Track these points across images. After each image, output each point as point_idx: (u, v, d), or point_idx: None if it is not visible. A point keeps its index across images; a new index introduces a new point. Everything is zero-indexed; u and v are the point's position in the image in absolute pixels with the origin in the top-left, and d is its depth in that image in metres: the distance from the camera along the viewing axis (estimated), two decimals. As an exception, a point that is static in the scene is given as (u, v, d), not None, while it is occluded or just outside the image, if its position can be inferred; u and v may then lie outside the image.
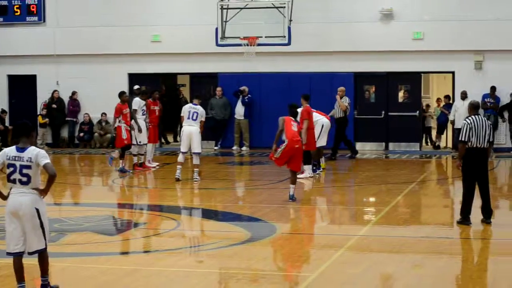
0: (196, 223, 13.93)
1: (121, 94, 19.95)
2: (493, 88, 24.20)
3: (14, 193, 8.36)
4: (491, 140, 12.49)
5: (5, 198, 8.45)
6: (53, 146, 26.99)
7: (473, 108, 12.62)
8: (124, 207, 15.62)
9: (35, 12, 27.22)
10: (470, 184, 12.45)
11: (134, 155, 20.17)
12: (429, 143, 26.75)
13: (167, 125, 27.39)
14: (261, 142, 24.94)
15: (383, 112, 25.32)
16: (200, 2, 25.63)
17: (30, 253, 8.45)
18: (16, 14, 27.36)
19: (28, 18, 27.32)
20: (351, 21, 25.03)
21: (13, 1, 27.38)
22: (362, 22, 25.02)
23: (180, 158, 18.10)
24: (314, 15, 25.05)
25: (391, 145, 25.45)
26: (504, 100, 24.44)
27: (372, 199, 16.08)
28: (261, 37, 22.33)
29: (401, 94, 25.92)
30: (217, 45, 22.76)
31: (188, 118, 17.94)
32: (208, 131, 24.95)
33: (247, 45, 22.33)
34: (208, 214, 14.44)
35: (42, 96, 27.48)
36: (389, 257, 10.61)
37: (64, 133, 27.56)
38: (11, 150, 8.40)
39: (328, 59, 25.34)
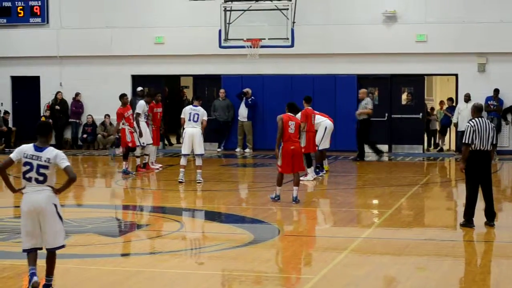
0: (199, 225, 13.92)
1: (122, 97, 19.90)
2: (496, 91, 24.20)
3: (29, 191, 8.33)
4: (494, 142, 12.48)
5: (14, 191, 8.44)
6: (56, 147, 26.84)
7: (477, 111, 12.61)
8: (127, 208, 15.62)
9: (38, 13, 27.27)
10: (473, 186, 12.44)
11: (137, 156, 20.17)
12: (432, 146, 26.71)
13: (170, 126, 27.41)
14: (264, 144, 24.95)
15: (386, 115, 25.32)
16: (204, 4, 25.66)
17: (51, 250, 8.40)
18: (19, 15, 27.41)
19: (31, 20, 27.37)
20: (354, 23, 25.04)
21: (16, 2, 27.43)
22: (365, 24, 25.02)
23: (183, 161, 18.07)
24: (317, 17, 25.07)
25: (394, 148, 25.46)
26: (508, 102, 24.44)
27: (375, 202, 16.07)
28: (264, 39, 22.37)
29: (404, 96, 25.92)
30: (221, 47, 22.79)
31: (189, 120, 17.91)
32: (211, 133, 25.01)
33: (251, 47, 22.36)
34: (211, 216, 14.44)
35: (46, 97, 27.52)
36: (392, 260, 10.60)
37: (67, 134, 27.60)
38: (29, 148, 8.39)
39: (331, 61, 25.35)
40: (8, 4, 27.45)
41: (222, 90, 26.11)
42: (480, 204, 12.63)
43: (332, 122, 19.72)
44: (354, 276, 9.56)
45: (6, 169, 8.35)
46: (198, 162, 18.03)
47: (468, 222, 12.45)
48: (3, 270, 9.58)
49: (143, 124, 19.83)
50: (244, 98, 25.73)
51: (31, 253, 8.43)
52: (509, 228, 12.91)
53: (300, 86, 24.88)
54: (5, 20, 27.55)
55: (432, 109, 27.43)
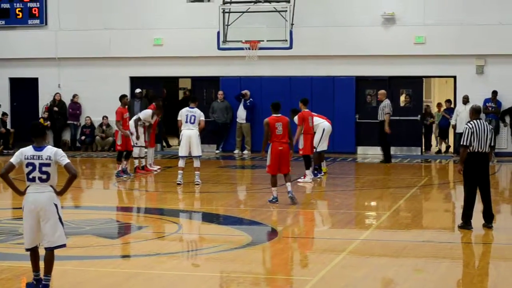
0: (197, 227, 13.93)
1: (122, 98, 19.91)
2: (494, 93, 24.20)
3: (31, 191, 8.48)
4: (492, 144, 12.51)
5: (21, 193, 8.56)
6: (54, 148, 26.93)
7: (475, 113, 12.62)
8: (125, 210, 15.62)
9: (37, 15, 27.24)
10: (471, 188, 12.45)
11: (135, 158, 20.17)
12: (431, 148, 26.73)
13: (168, 128, 27.40)
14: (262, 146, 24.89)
15: (385, 116, 25.27)
16: (202, 5, 25.66)
17: (50, 249, 8.49)
18: (18, 17, 27.38)
19: (30, 21, 27.34)
20: (353, 25, 25.03)
21: (15, 4, 27.41)
22: (363, 26, 25.02)
23: (181, 163, 18.07)
24: (315, 19, 25.06)
25: (393, 149, 25.42)
26: (506, 104, 24.45)
27: (373, 203, 16.08)
28: (262, 41, 22.34)
29: (402, 98, 25.91)
30: (219, 48, 22.77)
31: (186, 121, 17.90)
32: (210, 134, 25.00)
33: (249, 48, 22.34)
34: (210, 217, 14.45)
35: (44, 99, 27.48)
36: (390, 261, 10.60)
37: (66, 136, 27.57)
38: (28, 150, 8.54)
39: (329, 63, 25.35)
40: (7, 5, 27.42)
41: (220, 92, 26.11)
42: (478, 206, 12.64)
43: (330, 124, 19.70)
44: (352, 278, 9.57)
45: (8, 173, 8.46)
46: (196, 163, 18.03)
47: (466, 224, 12.46)
48: (1, 272, 9.58)
49: (140, 129, 19.85)
50: (243, 100, 25.73)
51: (33, 253, 8.54)
52: (507, 230, 12.92)
53: (298, 88, 24.87)
54: (3, 22, 27.52)
55: (426, 110, 27.21)
